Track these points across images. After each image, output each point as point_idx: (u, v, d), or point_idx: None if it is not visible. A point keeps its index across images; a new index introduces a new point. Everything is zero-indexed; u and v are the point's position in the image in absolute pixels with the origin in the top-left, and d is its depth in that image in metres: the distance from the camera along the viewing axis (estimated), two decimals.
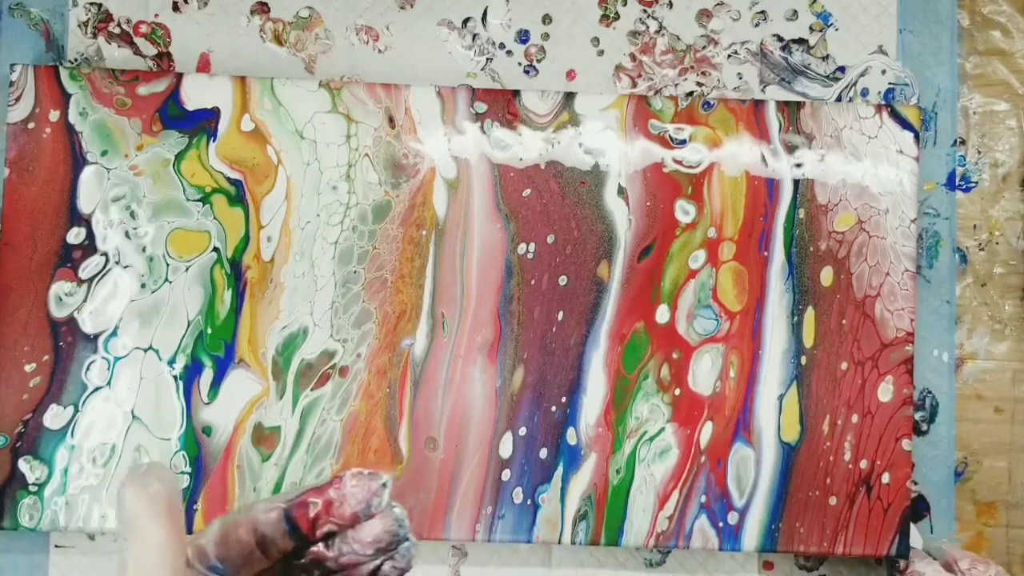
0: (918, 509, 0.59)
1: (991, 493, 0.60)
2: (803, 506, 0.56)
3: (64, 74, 0.56)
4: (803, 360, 0.57)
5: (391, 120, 0.57)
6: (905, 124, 0.58)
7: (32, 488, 0.54)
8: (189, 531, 0.54)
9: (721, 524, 0.56)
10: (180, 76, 0.57)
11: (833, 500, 0.56)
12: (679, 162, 0.57)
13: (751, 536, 0.56)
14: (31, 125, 0.56)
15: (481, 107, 0.57)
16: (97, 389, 0.55)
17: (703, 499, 0.56)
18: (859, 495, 0.56)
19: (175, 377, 0.55)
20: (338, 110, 0.57)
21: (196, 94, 0.57)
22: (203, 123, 0.57)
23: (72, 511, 0.54)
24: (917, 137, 0.58)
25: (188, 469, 0.55)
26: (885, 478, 0.56)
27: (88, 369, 0.55)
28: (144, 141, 0.56)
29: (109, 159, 0.56)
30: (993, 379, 0.60)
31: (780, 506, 0.56)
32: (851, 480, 0.56)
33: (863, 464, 0.56)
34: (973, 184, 0.61)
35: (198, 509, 0.55)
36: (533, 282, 0.57)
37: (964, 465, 0.60)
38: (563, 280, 0.57)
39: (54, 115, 0.56)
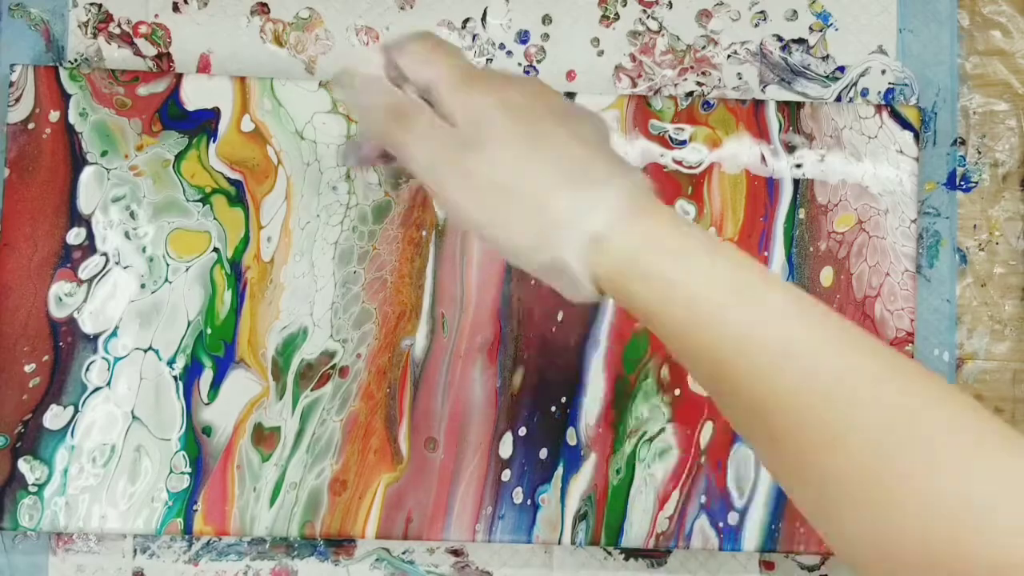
0: None
1: None
2: None
3: (64, 74, 0.56)
4: None
5: None
6: (905, 124, 0.58)
7: (32, 488, 0.54)
8: (188, 532, 0.54)
9: (721, 524, 0.56)
10: (180, 76, 0.57)
11: None
12: (679, 162, 0.57)
13: (751, 536, 0.56)
14: (31, 125, 0.56)
15: None
16: (97, 389, 0.55)
17: (703, 499, 0.56)
18: None
19: (175, 377, 0.55)
20: (338, 110, 0.57)
21: (196, 94, 0.57)
22: (203, 123, 0.57)
23: (72, 511, 0.54)
24: (917, 137, 0.58)
25: (188, 469, 0.55)
26: None
27: (88, 369, 0.55)
28: (144, 141, 0.56)
29: (109, 159, 0.56)
30: (993, 379, 0.60)
31: (780, 506, 0.56)
32: None
33: None
34: (973, 184, 0.61)
35: (198, 510, 0.54)
36: (533, 282, 0.57)
37: None
38: None
39: (54, 115, 0.56)
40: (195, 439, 0.55)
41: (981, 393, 0.60)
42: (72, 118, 0.56)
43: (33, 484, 0.54)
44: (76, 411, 0.55)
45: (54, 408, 0.55)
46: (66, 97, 0.56)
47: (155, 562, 0.58)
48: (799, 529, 0.56)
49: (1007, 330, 0.61)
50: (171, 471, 0.55)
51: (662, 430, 0.56)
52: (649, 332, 0.57)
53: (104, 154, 0.56)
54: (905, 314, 0.57)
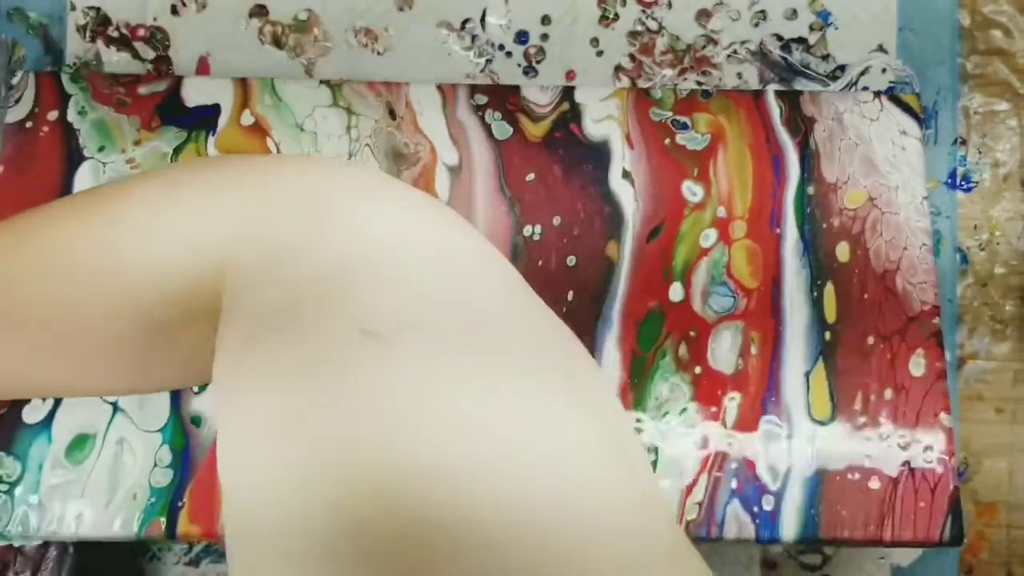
0: None
1: (992, 494, 0.59)
2: (841, 489, 0.52)
3: (65, 77, 0.55)
4: (827, 336, 0.54)
5: (391, 113, 0.56)
6: (906, 108, 0.57)
7: (2, 487, 0.51)
8: (172, 532, 0.51)
9: (756, 509, 0.52)
10: (180, 78, 0.56)
11: (875, 483, 0.52)
12: (682, 146, 0.57)
13: (789, 523, 0.51)
14: (28, 124, 0.54)
15: (482, 99, 0.57)
16: None
17: (734, 484, 0.53)
18: (902, 475, 0.52)
19: None
20: (339, 104, 0.56)
21: (197, 93, 0.56)
22: (203, 119, 0.56)
23: (45, 512, 0.50)
24: (919, 120, 0.57)
25: (174, 463, 0.51)
26: (928, 456, 0.52)
27: None
28: (142, 136, 0.55)
29: (106, 154, 0.55)
30: (994, 379, 0.60)
31: (817, 489, 0.52)
32: (891, 459, 0.52)
33: (902, 441, 0.52)
34: (974, 184, 0.61)
35: (184, 505, 0.51)
36: (541, 263, 0.55)
37: (965, 466, 0.59)
38: (571, 260, 0.55)
39: (53, 115, 0.55)
40: (183, 430, 0.52)
41: (982, 393, 0.59)
42: (71, 116, 0.55)
43: (3, 483, 0.51)
44: (54, 402, 0.52)
45: (34, 400, 0.51)
46: (66, 98, 0.55)
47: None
48: (840, 512, 0.52)
49: (1008, 330, 0.60)
50: (155, 465, 0.52)
51: (684, 410, 0.54)
52: (663, 310, 0.55)
53: (101, 149, 0.55)
54: (929, 287, 0.55)
